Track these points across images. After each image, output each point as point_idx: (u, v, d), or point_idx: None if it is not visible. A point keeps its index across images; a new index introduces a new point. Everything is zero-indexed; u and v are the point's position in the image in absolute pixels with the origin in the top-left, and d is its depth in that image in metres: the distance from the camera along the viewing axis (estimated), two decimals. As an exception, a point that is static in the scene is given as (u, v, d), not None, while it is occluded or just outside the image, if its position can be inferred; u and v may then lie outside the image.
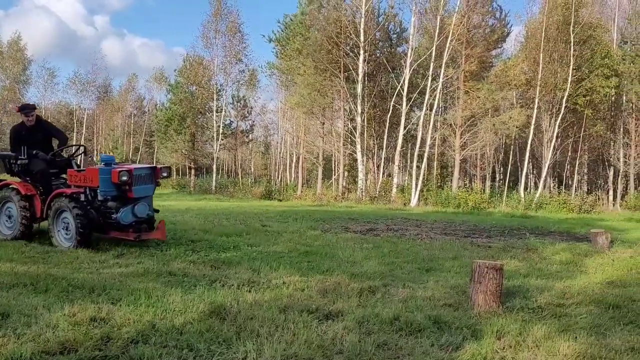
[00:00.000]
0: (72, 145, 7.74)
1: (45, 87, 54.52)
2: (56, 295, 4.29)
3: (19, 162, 7.66)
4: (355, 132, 29.02)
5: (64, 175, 7.76)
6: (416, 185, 27.18)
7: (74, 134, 52.95)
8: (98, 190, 6.97)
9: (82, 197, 7.06)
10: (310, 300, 4.44)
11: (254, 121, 46.55)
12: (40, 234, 7.74)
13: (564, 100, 27.86)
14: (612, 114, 33.24)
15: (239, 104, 42.26)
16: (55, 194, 7.23)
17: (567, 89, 27.43)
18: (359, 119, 28.66)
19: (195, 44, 46.49)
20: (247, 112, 43.52)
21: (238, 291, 4.72)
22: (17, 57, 52.38)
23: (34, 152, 7.69)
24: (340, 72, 28.88)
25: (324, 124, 34.10)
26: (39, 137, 7.90)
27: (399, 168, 30.27)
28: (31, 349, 2.92)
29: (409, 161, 33.34)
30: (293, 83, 35.10)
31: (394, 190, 27.76)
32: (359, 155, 28.71)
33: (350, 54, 28.71)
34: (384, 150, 31.20)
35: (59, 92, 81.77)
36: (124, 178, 6.84)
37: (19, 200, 7.44)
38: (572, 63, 27.46)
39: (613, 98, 31.67)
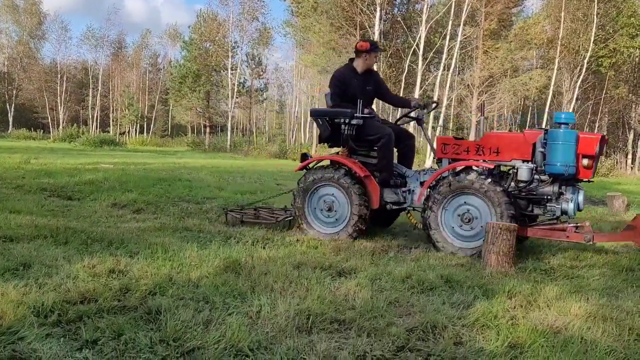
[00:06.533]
0: (432, 103, 5.97)
1: (59, 42, 54.40)
2: (76, 247, 4.39)
3: (354, 122, 5.42)
4: (371, 91, 28.63)
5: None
6: (431, 146, 26.93)
7: (90, 89, 53.08)
8: (539, 166, 4.90)
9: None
10: (324, 258, 4.50)
11: (268, 80, 46.24)
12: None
13: (586, 60, 27.12)
14: (636, 75, 32.36)
15: (253, 61, 41.87)
16: (442, 172, 5.15)
17: (590, 49, 26.65)
18: (374, 79, 28.22)
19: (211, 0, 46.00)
20: (262, 70, 43.15)
21: (252, 247, 4.79)
22: (32, 10, 52.12)
23: (368, 111, 5.58)
24: (355, 30, 28.32)
25: (339, 83, 33.66)
26: (370, 91, 5.80)
27: (414, 129, 29.99)
28: (53, 298, 3.01)
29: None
30: (308, 41, 34.58)
31: (409, 151, 27.53)
32: (374, 116, 28.42)
33: (366, 11, 28.07)
34: (399, 110, 30.85)
35: (74, 47, 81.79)
36: (598, 148, 4.78)
37: (352, 185, 5.35)
38: (595, 22, 26.58)
39: (637, 59, 30.75)
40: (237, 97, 39.15)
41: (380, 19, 27.96)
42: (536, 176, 4.91)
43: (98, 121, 52.83)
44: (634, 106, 32.77)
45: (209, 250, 4.45)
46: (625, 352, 2.76)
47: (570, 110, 28.42)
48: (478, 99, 28.67)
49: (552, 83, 28.04)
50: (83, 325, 2.73)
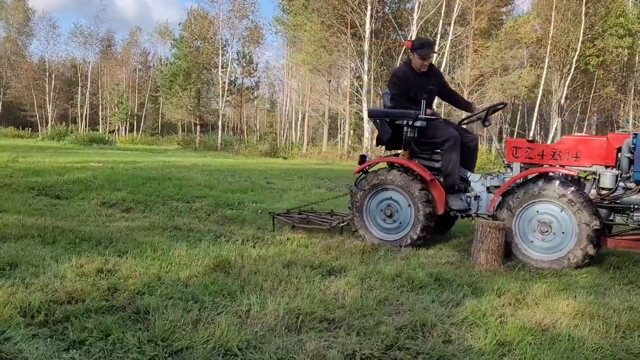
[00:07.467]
0: (498, 105, 5.68)
1: (48, 39, 53.95)
2: (63, 247, 4.35)
3: (417, 124, 5.12)
4: (362, 90, 28.70)
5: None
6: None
7: (79, 87, 52.68)
8: (624, 172, 4.50)
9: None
10: (314, 257, 4.50)
11: (259, 78, 46.14)
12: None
13: (575, 60, 27.34)
14: (624, 74, 32.67)
15: (243, 60, 41.74)
16: (518, 178, 4.78)
17: (579, 49, 26.87)
18: (365, 77, 28.28)
19: (201, -3, 45.43)
20: (253, 68, 43.03)
21: (242, 246, 4.77)
22: (18, 7, 51.66)
23: (430, 112, 5.24)
24: (347, 28, 28.34)
25: (330, 81, 33.71)
26: (432, 90, 5.49)
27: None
28: (39, 298, 2.98)
29: (415, 120, 33.04)
30: (299, 39, 34.55)
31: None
32: (365, 114, 28.50)
33: (357, 9, 28.09)
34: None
35: (62, 45, 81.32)
36: None
37: (417, 189, 5.01)
38: (584, 21, 26.79)
39: (625, 59, 31.06)
40: (227, 96, 39.02)
41: (371, 18, 28.00)
42: (621, 183, 4.55)
43: (87, 119, 52.43)
44: (622, 105, 33.10)
45: (198, 249, 4.43)
46: (612, 350, 2.78)
47: (560, 109, 28.64)
48: (468, 97, 28.79)
49: (542, 82, 28.24)
50: (70, 326, 2.71)
